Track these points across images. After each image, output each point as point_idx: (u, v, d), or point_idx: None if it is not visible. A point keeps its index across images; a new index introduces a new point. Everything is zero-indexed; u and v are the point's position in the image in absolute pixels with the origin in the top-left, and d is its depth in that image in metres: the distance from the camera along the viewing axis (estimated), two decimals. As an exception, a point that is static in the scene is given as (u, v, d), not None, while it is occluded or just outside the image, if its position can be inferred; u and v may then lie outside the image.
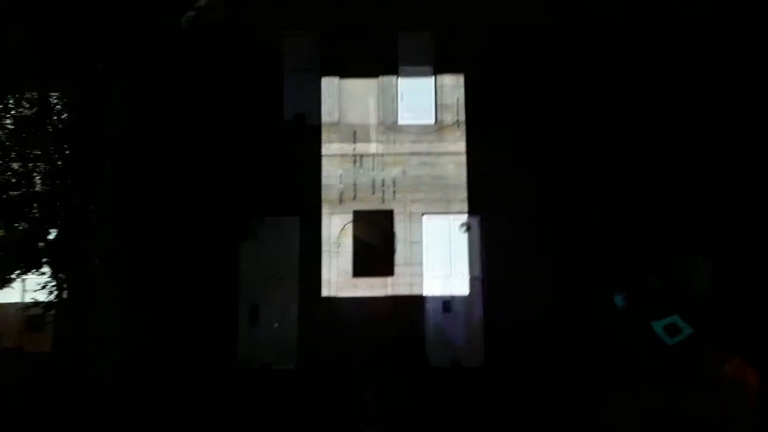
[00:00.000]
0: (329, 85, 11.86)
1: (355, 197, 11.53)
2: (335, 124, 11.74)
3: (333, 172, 11.58)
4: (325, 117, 11.75)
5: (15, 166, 10.02)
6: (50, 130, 10.10)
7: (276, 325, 11.24)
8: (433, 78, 11.91)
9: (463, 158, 11.63)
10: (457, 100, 11.75)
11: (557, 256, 11.09)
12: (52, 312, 10.08)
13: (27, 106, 10.12)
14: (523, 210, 11.31)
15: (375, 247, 11.44)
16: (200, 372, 10.28)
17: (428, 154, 11.66)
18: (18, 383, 9.88)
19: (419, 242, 11.45)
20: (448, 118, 11.74)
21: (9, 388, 9.76)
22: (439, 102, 11.81)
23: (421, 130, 11.75)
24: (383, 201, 11.55)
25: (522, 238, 11.23)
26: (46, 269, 10.08)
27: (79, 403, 8.99)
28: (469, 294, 11.41)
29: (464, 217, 11.61)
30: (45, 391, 9.54)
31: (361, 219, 11.50)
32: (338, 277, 11.31)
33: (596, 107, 11.43)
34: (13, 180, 9.91)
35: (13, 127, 10.05)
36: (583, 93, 11.50)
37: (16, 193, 9.90)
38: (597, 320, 10.07)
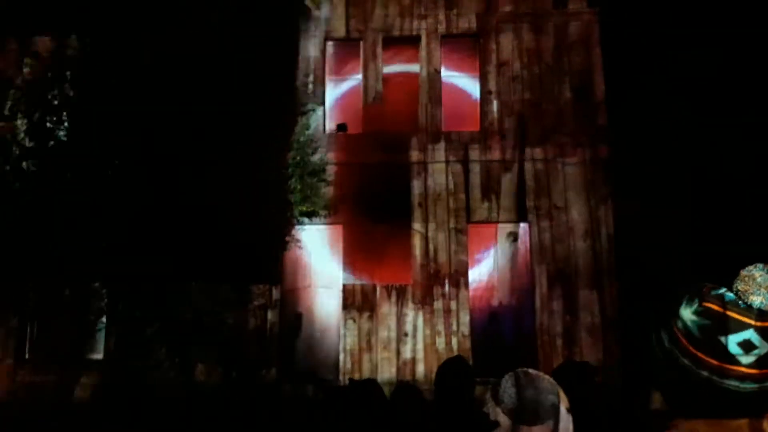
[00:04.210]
0: (372, 92, 11.78)
1: (399, 205, 11.35)
2: (378, 133, 11.59)
3: (377, 181, 11.41)
4: (368, 126, 11.64)
5: None
6: None
7: (318, 334, 11.15)
8: (478, 84, 11.69)
9: (510, 166, 11.35)
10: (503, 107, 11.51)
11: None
12: None
13: None
14: (571, 219, 10.97)
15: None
16: (242, 381, 10.23)
17: (473, 161, 11.40)
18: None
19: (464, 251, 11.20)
20: (494, 125, 11.49)
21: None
22: (485, 108, 11.57)
23: (466, 138, 11.51)
24: (428, 209, 11.33)
25: (572, 248, 10.89)
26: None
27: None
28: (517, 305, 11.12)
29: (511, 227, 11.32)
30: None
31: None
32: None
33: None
34: None
35: None
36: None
37: None
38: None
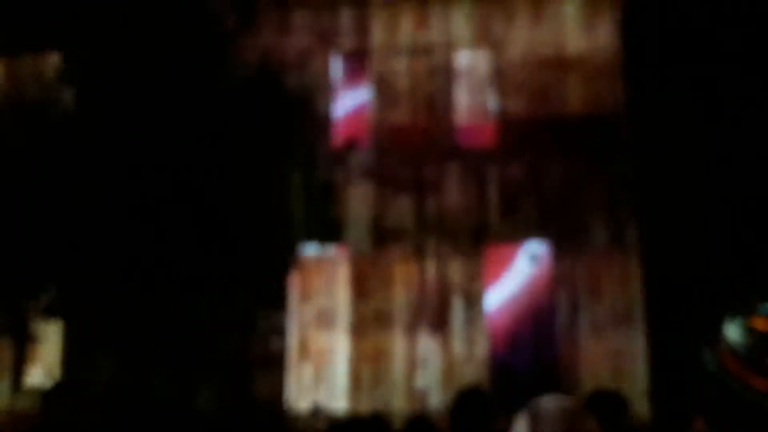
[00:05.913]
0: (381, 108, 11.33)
1: (410, 226, 10.85)
2: (389, 150, 11.14)
3: (384, 200, 10.94)
4: (378, 143, 11.18)
5: None
6: None
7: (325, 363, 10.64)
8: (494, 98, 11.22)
9: (528, 183, 10.84)
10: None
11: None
12: None
13: None
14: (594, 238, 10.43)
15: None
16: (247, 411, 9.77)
17: (490, 179, 10.90)
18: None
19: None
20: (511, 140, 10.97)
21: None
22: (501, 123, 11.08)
23: (482, 154, 11.02)
24: (442, 230, 10.81)
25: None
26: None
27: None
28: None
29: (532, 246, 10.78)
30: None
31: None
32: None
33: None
34: None
35: None
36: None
37: None
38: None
